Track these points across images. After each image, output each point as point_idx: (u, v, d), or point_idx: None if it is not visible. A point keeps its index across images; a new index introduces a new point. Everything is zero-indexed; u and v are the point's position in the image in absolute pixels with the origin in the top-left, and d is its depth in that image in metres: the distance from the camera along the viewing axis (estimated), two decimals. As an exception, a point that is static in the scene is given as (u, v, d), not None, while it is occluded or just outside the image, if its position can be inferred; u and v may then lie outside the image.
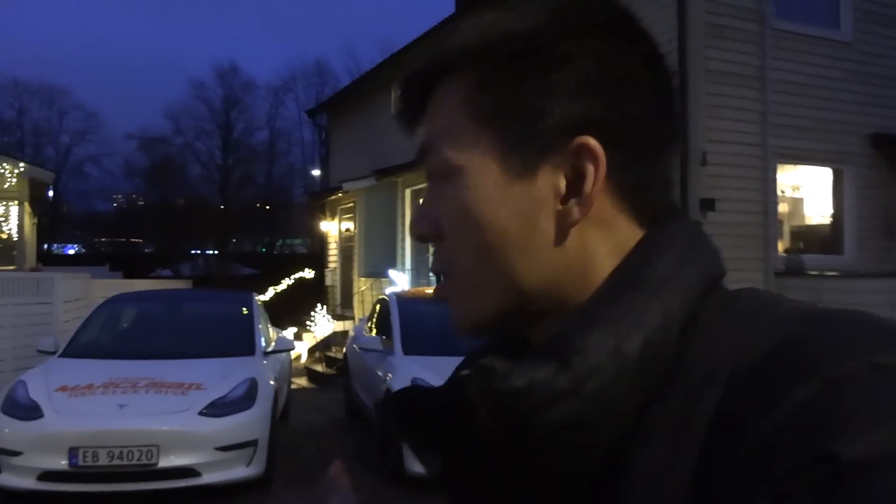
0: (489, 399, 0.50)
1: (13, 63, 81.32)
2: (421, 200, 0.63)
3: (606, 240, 0.57)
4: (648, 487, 0.48)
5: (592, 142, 0.55)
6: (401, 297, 8.31)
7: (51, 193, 17.29)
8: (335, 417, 9.16)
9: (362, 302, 14.02)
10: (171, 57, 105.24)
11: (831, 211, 10.01)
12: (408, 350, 7.02)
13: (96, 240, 48.84)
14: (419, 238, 0.63)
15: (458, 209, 0.59)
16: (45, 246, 40.55)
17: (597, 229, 0.57)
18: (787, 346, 0.47)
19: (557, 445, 0.51)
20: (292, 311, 17.02)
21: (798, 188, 10.44)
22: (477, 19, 0.60)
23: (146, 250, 41.81)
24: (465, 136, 0.58)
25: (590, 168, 0.55)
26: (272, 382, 6.58)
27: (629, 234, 0.58)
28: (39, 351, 6.89)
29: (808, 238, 10.27)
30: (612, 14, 0.58)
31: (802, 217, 10.66)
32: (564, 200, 0.56)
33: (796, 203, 10.56)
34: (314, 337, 15.29)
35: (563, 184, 0.56)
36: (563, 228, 0.56)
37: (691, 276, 0.55)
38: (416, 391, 0.61)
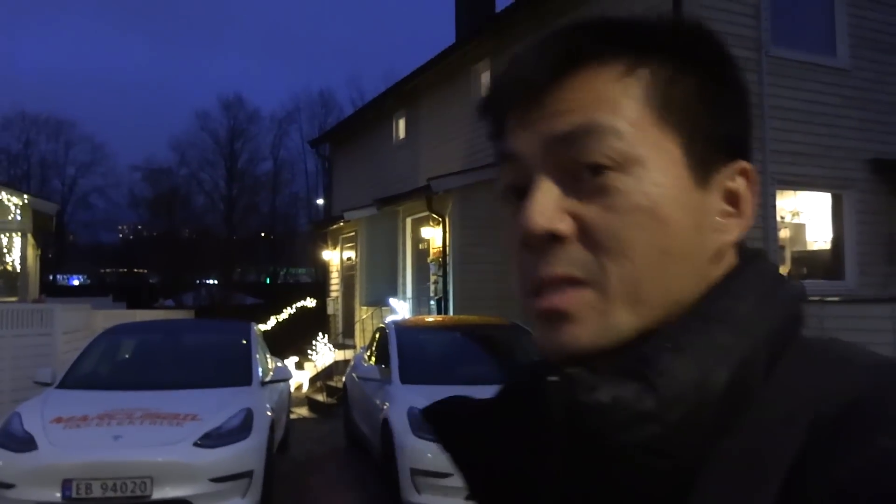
0: (571, 409, 0.50)
1: (21, 95, 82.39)
2: (538, 192, 0.55)
3: (741, 266, 0.58)
4: None
5: (751, 167, 0.57)
6: (399, 326, 8.28)
7: (54, 224, 17.31)
8: (335, 447, 9.08)
9: (363, 331, 13.98)
10: (176, 89, 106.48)
11: (832, 236, 9.98)
12: (406, 379, 6.97)
13: (101, 270, 48.99)
14: (549, 234, 0.54)
15: (639, 205, 0.53)
16: (51, 277, 40.71)
17: (733, 253, 0.58)
18: (872, 395, 0.47)
19: (627, 466, 0.50)
20: (294, 340, 17.01)
21: (798, 214, 10.42)
22: (668, 17, 0.58)
23: (151, 280, 41.88)
24: (649, 130, 0.55)
25: (752, 190, 0.57)
26: (269, 412, 6.53)
27: (733, 262, 0.58)
28: (37, 382, 6.86)
29: (810, 263, 10.23)
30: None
31: (804, 242, 10.63)
32: (725, 216, 0.56)
33: (797, 228, 10.54)
34: (315, 366, 15.24)
35: (723, 203, 0.57)
36: (722, 245, 0.56)
37: (777, 316, 0.54)
38: (457, 401, 0.60)
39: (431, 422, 0.61)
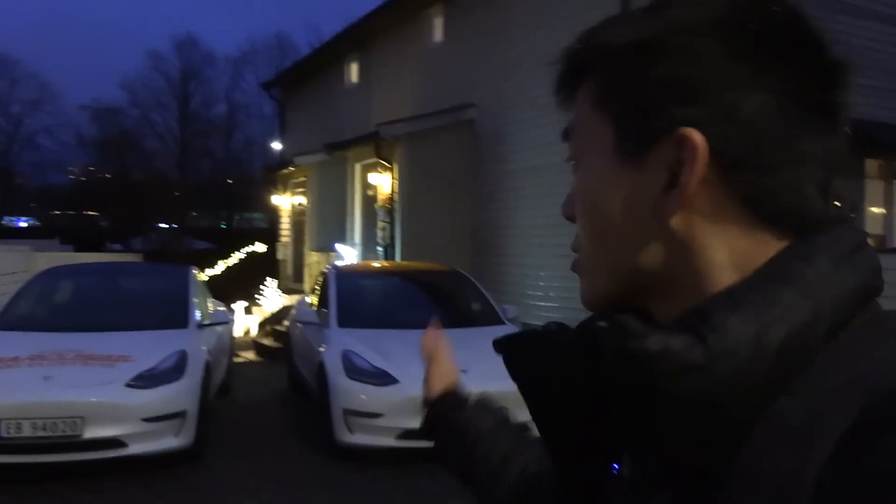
0: (620, 356, 0.51)
1: (-37, 30, 78.75)
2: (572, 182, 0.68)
3: (720, 236, 0.56)
4: (765, 479, 0.48)
5: (694, 134, 0.54)
6: (340, 271, 8.34)
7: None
8: (278, 390, 9.18)
9: (312, 276, 14.01)
10: (126, 26, 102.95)
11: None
12: (343, 323, 7.06)
13: (51, 213, 47.83)
14: (566, 217, 0.67)
15: (580, 193, 0.63)
16: (1, 219, 39.73)
17: (708, 223, 0.56)
18: None
19: (675, 416, 0.51)
20: (244, 285, 16.95)
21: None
22: (610, 24, 0.62)
23: (101, 224, 41.08)
24: (589, 125, 0.62)
25: (688, 159, 0.55)
26: (205, 355, 6.58)
27: (749, 234, 0.56)
28: (-31, 324, 6.79)
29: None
30: (741, 12, 0.57)
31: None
32: (666, 191, 0.57)
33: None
34: (263, 311, 15.26)
35: (665, 175, 0.57)
36: (663, 218, 0.57)
37: (847, 282, 0.54)
38: (534, 335, 0.64)
39: (501, 352, 0.65)
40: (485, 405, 1.13)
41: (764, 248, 0.56)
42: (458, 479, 1.11)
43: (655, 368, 0.50)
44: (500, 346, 0.66)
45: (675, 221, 0.57)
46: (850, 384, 0.48)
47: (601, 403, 0.54)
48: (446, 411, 1.14)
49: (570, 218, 0.66)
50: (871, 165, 9.61)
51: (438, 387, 1.17)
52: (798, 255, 0.55)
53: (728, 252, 0.56)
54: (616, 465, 0.61)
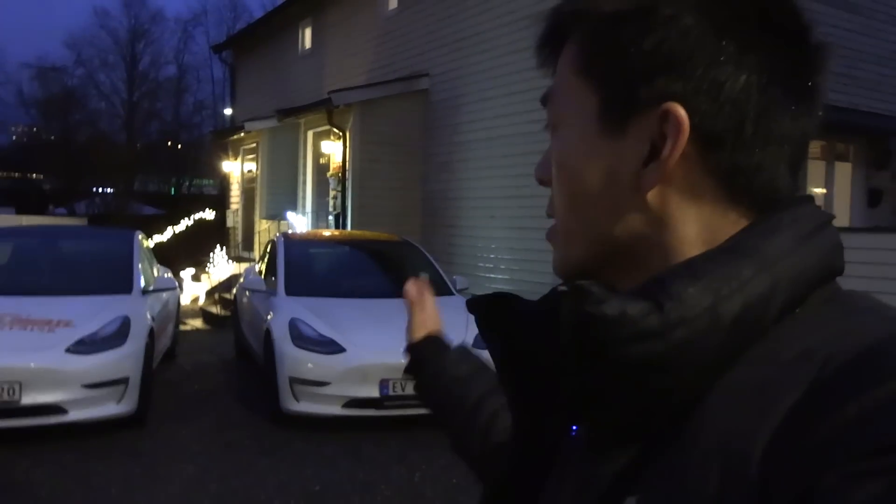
0: (578, 319, 0.52)
1: None
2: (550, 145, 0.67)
3: (694, 211, 0.57)
4: (716, 443, 0.49)
5: (679, 110, 0.55)
6: (288, 239, 8.27)
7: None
8: (225, 358, 9.12)
9: (261, 244, 13.86)
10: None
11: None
12: (290, 291, 7.03)
13: (-9, 174, 46.28)
14: (538, 181, 0.67)
15: (557, 159, 0.63)
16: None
17: (683, 199, 0.57)
18: (891, 342, 0.47)
19: (630, 381, 0.52)
20: (193, 252, 16.71)
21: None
22: None
23: (45, 187, 39.92)
24: (570, 91, 0.61)
25: (670, 134, 0.55)
26: (149, 321, 6.49)
27: (722, 212, 0.58)
28: None
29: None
30: None
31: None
32: (646, 163, 0.57)
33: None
34: (211, 279, 15.08)
35: (647, 147, 0.57)
36: (640, 190, 0.57)
37: (806, 260, 0.55)
38: (507, 297, 0.63)
39: (474, 312, 0.65)
40: (464, 352, 1.16)
41: (734, 226, 0.57)
42: (435, 421, 1.15)
43: (611, 333, 0.51)
44: (473, 305, 0.66)
45: (652, 195, 0.57)
46: (803, 357, 0.49)
47: (562, 365, 0.55)
48: (426, 354, 1.16)
49: (543, 182, 0.67)
50: (814, 146, 9.85)
51: (421, 332, 1.20)
52: (761, 231, 0.56)
53: (700, 228, 0.57)
54: (575, 427, 0.63)
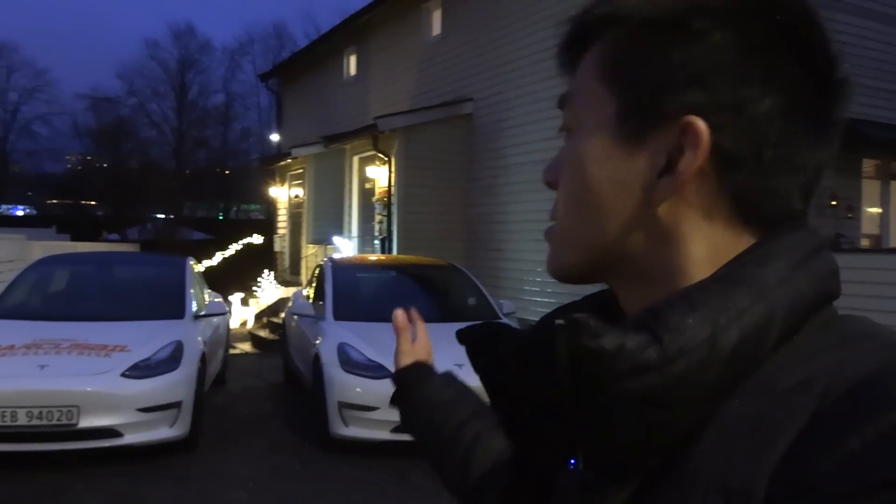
0: (574, 353, 0.51)
1: (-41, 16, 78.37)
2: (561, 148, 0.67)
3: (704, 230, 0.57)
4: (717, 480, 0.48)
5: (700, 124, 0.54)
6: (336, 264, 8.35)
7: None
8: (273, 382, 9.20)
9: (308, 268, 14.02)
10: (124, 15, 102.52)
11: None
12: (338, 315, 7.08)
13: (48, 201, 47.72)
14: (545, 183, 0.67)
15: (570, 162, 0.62)
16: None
17: (694, 216, 0.57)
18: (889, 370, 0.47)
19: (627, 416, 0.51)
20: (241, 276, 16.95)
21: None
22: None
23: (98, 213, 41.02)
24: (591, 96, 0.60)
25: (689, 147, 0.54)
26: (201, 345, 6.60)
27: (731, 234, 0.57)
28: (-36, 312, 6.79)
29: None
30: (765, 4, 0.56)
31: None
32: (660, 176, 0.56)
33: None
34: (260, 303, 15.27)
35: (663, 160, 0.56)
36: (652, 202, 0.57)
37: (802, 286, 0.54)
38: (497, 328, 0.63)
39: (464, 343, 0.65)
40: (449, 378, 1.14)
41: (741, 248, 0.56)
42: (419, 449, 1.12)
43: (609, 367, 0.50)
44: (463, 336, 0.66)
45: (663, 209, 0.57)
46: (801, 387, 0.48)
47: (558, 398, 0.54)
48: (410, 381, 1.14)
49: (551, 184, 0.65)
50: (868, 165, 9.63)
51: (408, 360, 1.18)
52: (755, 258, 0.55)
53: (708, 247, 0.56)
54: (573, 461, 0.61)
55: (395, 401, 1.16)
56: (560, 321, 0.52)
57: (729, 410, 0.50)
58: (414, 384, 1.13)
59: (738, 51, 0.55)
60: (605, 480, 0.55)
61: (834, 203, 8.76)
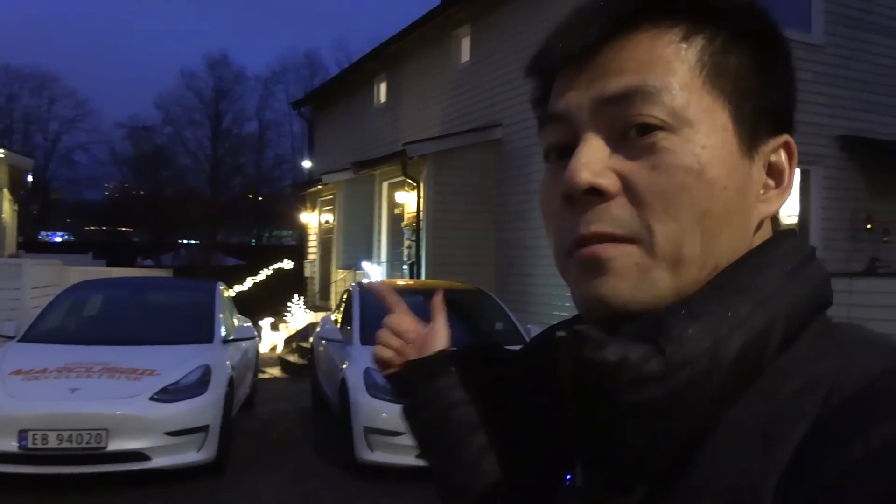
0: (578, 366, 0.51)
1: (4, 48, 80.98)
2: (585, 147, 0.56)
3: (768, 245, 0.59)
4: (723, 489, 0.48)
5: (793, 140, 0.57)
6: (363, 289, 8.37)
7: (30, 179, 17.18)
8: (302, 406, 9.21)
9: (338, 293, 14.07)
10: (162, 46, 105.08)
11: (798, 210, 10.10)
12: (366, 340, 7.07)
13: (86, 228, 48.75)
14: (593, 190, 0.55)
15: (686, 166, 0.54)
16: (38, 234, 40.55)
17: (768, 232, 0.59)
18: (889, 376, 0.47)
19: (631, 426, 0.51)
20: (272, 301, 17.07)
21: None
22: None
23: (134, 240, 41.78)
24: (699, 95, 0.56)
25: (790, 164, 0.57)
26: (229, 370, 6.63)
27: (768, 235, 0.59)
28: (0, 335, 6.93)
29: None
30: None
31: (772, 217, 10.73)
32: (766, 188, 0.57)
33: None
34: (290, 328, 15.34)
35: (764, 173, 0.58)
36: (762, 214, 0.58)
37: (800, 293, 0.54)
38: (488, 347, 0.63)
39: (456, 365, 0.65)
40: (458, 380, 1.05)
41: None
42: (419, 450, 0.99)
43: (612, 378, 0.50)
44: (454, 358, 0.65)
45: (765, 220, 0.59)
46: (803, 392, 0.48)
47: (556, 412, 0.53)
48: (416, 377, 0.99)
49: (603, 190, 0.55)
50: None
51: (412, 352, 1.01)
52: (751, 266, 0.55)
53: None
54: (569, 476, 0.60)
55: (394, 395, 1.03)
56: (562, 333, 0.52)
57: (733, 417, 0.50)
58: (417, 381, 0.96)
59: (792, 67, 0.61)
60: (607, 494, 0.54)
61: (869, 227, 8.61)
